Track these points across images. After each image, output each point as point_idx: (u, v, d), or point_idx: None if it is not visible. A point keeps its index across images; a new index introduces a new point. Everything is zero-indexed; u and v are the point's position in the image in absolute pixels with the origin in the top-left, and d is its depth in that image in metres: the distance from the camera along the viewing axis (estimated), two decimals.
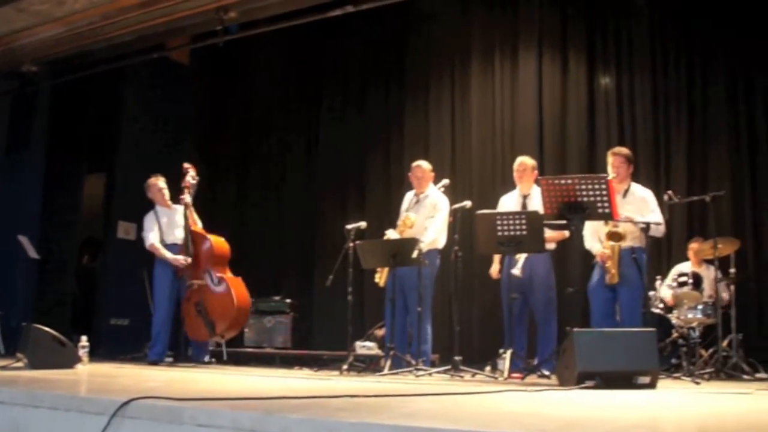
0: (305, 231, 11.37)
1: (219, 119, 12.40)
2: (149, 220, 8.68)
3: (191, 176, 8.62)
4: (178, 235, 8.58)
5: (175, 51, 11.34)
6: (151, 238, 8.56)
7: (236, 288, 8.33)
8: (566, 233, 7.54)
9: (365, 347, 8.78)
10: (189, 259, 8.37)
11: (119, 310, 10.89)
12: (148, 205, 8.84)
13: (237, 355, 9.61)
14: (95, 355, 9.30)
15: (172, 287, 8.53)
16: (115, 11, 8.94)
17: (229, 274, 8.49)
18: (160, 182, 8.85)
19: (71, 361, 6.73)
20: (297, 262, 11.38)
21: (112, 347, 10.16)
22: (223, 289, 8.28)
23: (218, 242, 8.53)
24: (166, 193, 8.81)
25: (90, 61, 10.18)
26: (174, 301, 8.56)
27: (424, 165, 8.22)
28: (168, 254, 8.46)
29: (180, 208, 8.68)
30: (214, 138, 12.26)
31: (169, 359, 8.67)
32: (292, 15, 9.22)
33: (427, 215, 7.88)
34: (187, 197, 8.53)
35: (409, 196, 8.24)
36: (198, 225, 8.67)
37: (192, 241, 8.44)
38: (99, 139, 11.44)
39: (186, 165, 8.72)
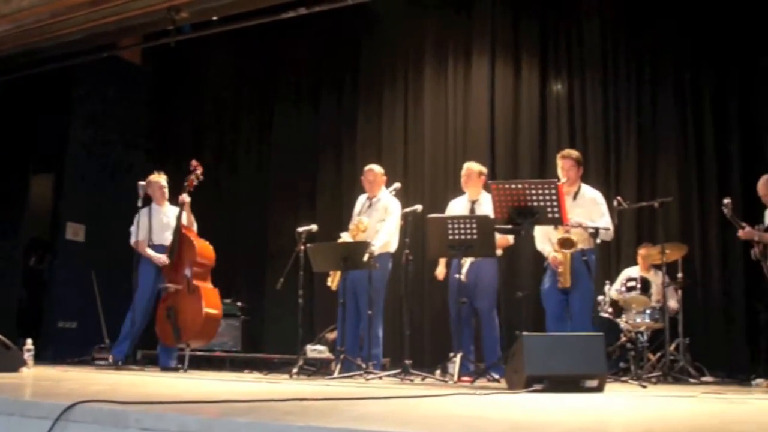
0: (256, 233, 11.29)
1: (171, 119, 12.27)
2: (142, 217, 8.37)
3: (196, 175, 8.37)
4: (168, 237, 8.37)
5: (126, 50, 11.23)
6: (138, 236, 8.32)
7: (208, 299, 8.14)
8: (510, 239, 7.59)
9: (316, 350, 8.75)
10: (167, 260, 8.22)
11: (67, 312, 10.72)
12: (132, 204, 8.49)
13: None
14: (42, 358, 9.17)
15: (155, 286, 8.32)
16: (64, 9, 8.81)
17: (207, 284, 8.30)
18: (162, 180, 8.61)
19: (16, 364, 6.61)
20: (248, 264, 11.29)
21: (60, 350, 10.03)
22: (195, 298, 8.08)
23: (203, 248, 8.34)
24: (166, 192, 8.59)
25: (38, 59, 10.01)
26: (154, 300, 8.35)
27: (376, 169, 8.22)
28: (150, 252, 8.27)
29: (173, 210, 8.51)
30: (166, 138, 12.14)
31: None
32: (245, 16, 9.17)
33: (379, 219, 7.87)
34: (187, 197, 8.33)
35: (361, 200, 8.23)
36: (194, 227, 8.49)
37: (179, 244, 8.26)
38: (47, 138, 11.27)
39: (194, 162, 8.43)
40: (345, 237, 7.91)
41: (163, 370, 8.05)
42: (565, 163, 7.33)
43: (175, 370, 8.08)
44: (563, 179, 7.13)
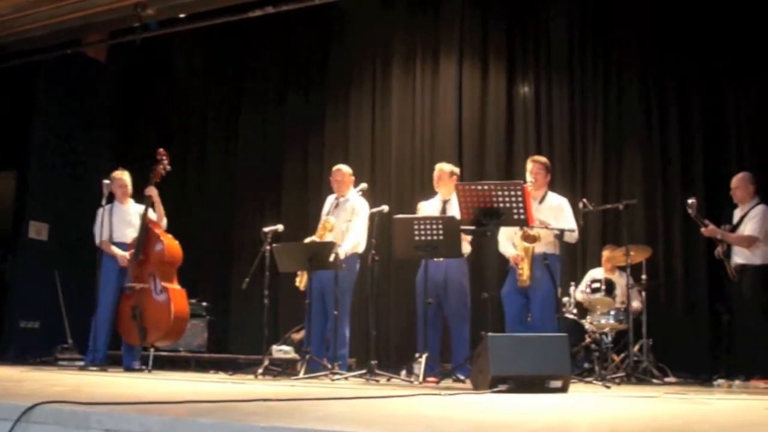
0: (222, 233, 11.24)
1: (136, 118, 12.17)
2: (104, 216, 8.25)
3: (164, 165, 8.29)
4: (129, 234, 8.26)
5: (91, 47, 11.12)
6: (102, 236, 8.20)
7: (176, 300, 8.01)
8: (467, 246, 7.57)
9: (281, 351, 8.72)
10: (126, 259, 8.12)
11: (29, 312, 10.57)
12: (95, 200, 8.43)
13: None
14: (3, 358, 9.10)
15: (118, 284, 8.17)
16: (27, 4, 8.73)
17: (174, 284, 8.17)
18: (125, 177, 8.48)
19: None
20: (214, 264, 11.23)
21: (22, 351, 9.90)
22: (163, 299, 7.95)
23: (172, 247, 8.20)
24: (129, 189, 8.48)
25: (0, 55, 9.90)
26: (118, 298, 8.19)
27: (344, 169, 8.21)
28: (116, 250, 8.15)
29: (135, 207, 8.42)
30: (131, 136, 12.03)
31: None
32: (212, 14, 9.13)
33: (346, 219, 7.85)
34: (154, 189, 8.21)
35: (330, 200, 8.21)
36: (163, 222, 8.38)
37: (145, 241, 8.12)
38: (10, 135, 11.12)
39: (161, 151, 8.35)
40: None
41: (126, 371, 7.96)
42: (534, 167, 7.38)
43: (140, 370, 7.99)
44: (530, 182, 7.16)
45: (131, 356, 8.19)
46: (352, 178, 8.19)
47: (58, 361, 9.43)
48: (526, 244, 7.05)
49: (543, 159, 7.56)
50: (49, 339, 9.93)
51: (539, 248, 7.10)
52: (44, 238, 10.88)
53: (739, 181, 7.54)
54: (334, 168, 8.25)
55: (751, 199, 7.50)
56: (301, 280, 7.84)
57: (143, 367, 8.05)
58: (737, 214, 7.58)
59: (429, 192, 8.07)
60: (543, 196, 7.35)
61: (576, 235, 7.24)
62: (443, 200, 7.83)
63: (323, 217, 8.04)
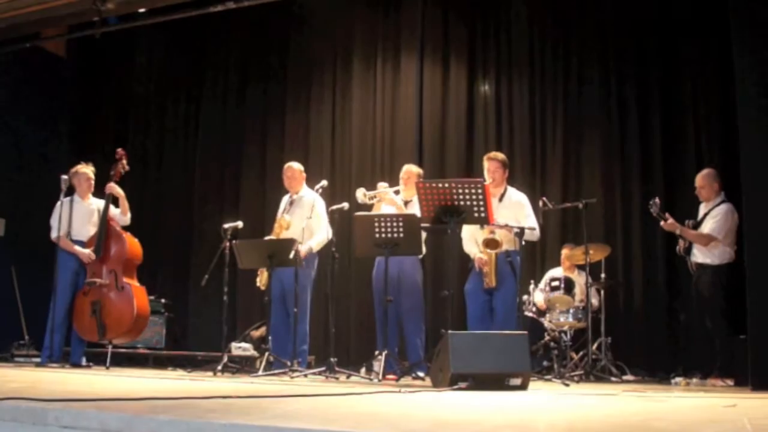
0: (181, 229, 11.15)
1: (95, 112, 12.03)
2: (63, 210, 8.12)
3: (123, 165, 8.26)
4: (88, 232, 8.20)
5: (50, 41, 10.98)
6: (60, 230, 8.08)
7: (138, 298, 8.02)
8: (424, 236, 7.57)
9: (240, 348, 8.67)
10: (93, 256, 8.02)
11: None
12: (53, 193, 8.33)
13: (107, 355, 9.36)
14: None
15: (75, 280, 8.10)
16: None
17: (135, 282, 8.17)
18: (89, 172, 8.40)
19: None
20: (172, 260, 11.13)
21: None
22: (125, 296, 7.94)
23: (133, 245, 8.20)
24: (93, 184, 8.40)
25: None
26: (75, 294, 8.11)
27: (294, 166, 8.28)
28: (76, 247, 8.05)
29: (95, 203, 8.33)
30: (90, 132, 11.90)
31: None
32: (172, 9, 9.06)
33: (304, 216, 7.82)
34: (117, 188, 8.17)
35: (285, 199, 8.23)
36: (127, 216, 8.33)
37: (106, 237, 8.07)
38: None
39: (120, 151, 8.32)
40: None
41: (73, 367, 7.90)
42: (491, 165, 7.39)
43: (87, 367, 7.97)
44: (489, 180, 7.18)
45: (78, 352, 8.14)
46: (304, 175, 8.26)
47: (14, 358, 9.35)
48: (490, 251, 7.06)
49: (499, 155, 7.54)
50: (5, 335, 9.79)
51: (502, 248, 7.12)
52: (1, 234, 10.73)
53: (703, 180, 7.54)
54: (286, 165, 8.30)
55: (715, 196, 7.49)
56: (261, 280, 7.82)
57: (90, 363, 8.05)
58: (701, 211, 7.59)
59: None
60: (503, 193, 7.36)
61: (537, 233, 7.27)
62: (405, 200, 7.83)
63: (279, 215, 8.04)
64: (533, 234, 7.18)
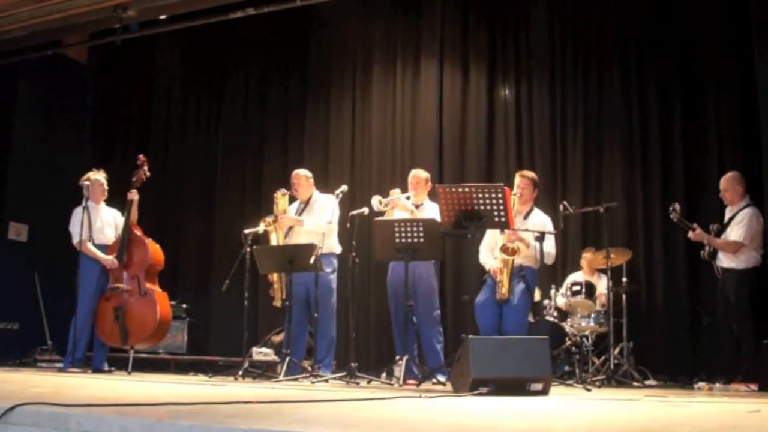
0: (203, 234, 11.18)
1: (117, 118, 12.11)
2: (79, 216, 8.18)
3: (144, 171, 8.33)
4: (108, 236, 8.29)
5: (71, 48, 11.07)
6: (80, 235, 8.11)
7: (161, 303, 8.07)
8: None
9: (261, 353, 8.69)
10: (116, 263, 8.07)
11: (9, 313, 10.47)
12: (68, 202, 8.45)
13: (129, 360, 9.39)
14: None
15: (98, 286, 8.15)
16: (6, 5, 8.69)
17: (157, 287, 8.24)
18: (101, 177, 8.46)
19: None
20: (194, 266, 11.17)
21: (1, 352, 9.80)
22: (148, 301, 7.99)
23: (155, 250, 8.27)
24: (105, 191, 8.47)
25: None
26: (98, 300, 8.16)
27: (301, 172, 8.34)
28: (99, 253, 8.12)
29: (109, 210, 8.43)
30: (112, 137, 11.98)
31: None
32: (193, 15, 9.09)
33: (317, 219, 7.91)
34: (136, 194, 8.24)
35: (295, 206, 8.30)
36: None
37: (129, 243, 8.13)
38: None
39: (141, 157, 8.42)
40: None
41: (95, 372, 7.93)
42: (522, 182, 7.44)
43: (108, 372, 8.01)
44: (515, 194, 7.18)
45: (100, 357, 8.19)
46: (311, 180, 8.28)
47: (37, 363, 9.40)
48: (506, 257, 7.06)
49: (531, 174, 7.61)
50: (28, 340, 9.87)
51: (517, 260, 7.11)
52: (24, 239, 10.80)
53: (727, 183, 7.48)
54: (293, 173, 8.35)
55: (740, 200, 7.44)
56: (276, 297, 7.89)
57: (112, 368, 8.10)
58: (727, 214, 7.52)
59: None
60: (528, 212, 7.39)
61: (553, 256, 7.34)
62: (415, 204, 7.83)
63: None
64: (549, 257, 7.17)
